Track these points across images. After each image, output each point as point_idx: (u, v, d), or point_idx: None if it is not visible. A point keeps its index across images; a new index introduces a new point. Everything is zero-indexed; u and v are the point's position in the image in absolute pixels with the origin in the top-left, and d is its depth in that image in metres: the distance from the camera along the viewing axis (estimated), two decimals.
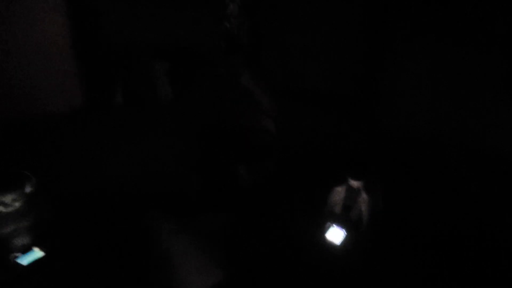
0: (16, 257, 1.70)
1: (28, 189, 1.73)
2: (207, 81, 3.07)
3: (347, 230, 2.09)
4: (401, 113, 3.13)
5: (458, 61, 2.67)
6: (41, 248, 1.75)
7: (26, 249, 1.72)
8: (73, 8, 2.23)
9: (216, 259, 1.90)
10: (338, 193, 2.20)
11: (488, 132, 2.75)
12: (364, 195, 2.08)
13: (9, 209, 1.66)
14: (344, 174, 2.10)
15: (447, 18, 2.60)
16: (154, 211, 2.05)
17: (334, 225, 2.12)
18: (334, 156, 2.93)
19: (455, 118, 2.85)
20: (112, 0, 2.30)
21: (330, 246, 2.05)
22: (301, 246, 2.14)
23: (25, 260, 1.68)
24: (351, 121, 3.32)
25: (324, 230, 2.11)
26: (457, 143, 2.85)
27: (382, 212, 2.11)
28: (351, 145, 3.18)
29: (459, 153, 2.84)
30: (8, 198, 1.65)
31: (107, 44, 2.42)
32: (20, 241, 1.75)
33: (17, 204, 1.69)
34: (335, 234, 2.09)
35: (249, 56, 3.53)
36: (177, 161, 2.81)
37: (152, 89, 2.79)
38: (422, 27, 2.75)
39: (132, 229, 1.96)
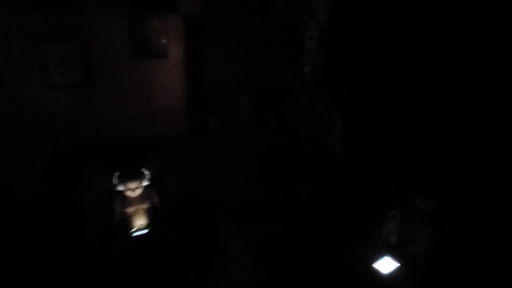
0: (137, 231, 2.38)
1: (145, 182, 2.37)
2: (286, 111, 3.49)
3: (400, 262, 1.95)
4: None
5: None
6: (148, 227, 2.42)
7: (142, 228, 2.38)
8: (187, 62, 3.18)
9: (257, 262, 2.20)
10: (394, 219, 2.03)
11: None
12: (425, 225, 1.84)
13: (133, 195, 2.33)
14: (411, 195, 1.89)
15: None
16: (219, 211, 2.65)
17: (387, 255, 2.00)
18: (393, 182, 2.83)
19: None
20: (210, 56, 3.18)
21: (377, 275, 1.94)
22: (347, 271, 2.08)
23: (141, 232, 2.37)
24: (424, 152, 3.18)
25: (374, 258, 2.02)
26: None
27: (447, 247, 1.85)
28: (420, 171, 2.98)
29: None
30: (133, 185, 2.29)
31: (206, 85, 3.29)
32: (138, 220, 2.40)
33: (137, 191, 2.33)
34: (386, 264, 1.96)
35: (328, 87, 3.80)
36: (250, 175, 3.32)
37: (236, 117, 3.52)
38: None
39: (202, 221, 2.58)
